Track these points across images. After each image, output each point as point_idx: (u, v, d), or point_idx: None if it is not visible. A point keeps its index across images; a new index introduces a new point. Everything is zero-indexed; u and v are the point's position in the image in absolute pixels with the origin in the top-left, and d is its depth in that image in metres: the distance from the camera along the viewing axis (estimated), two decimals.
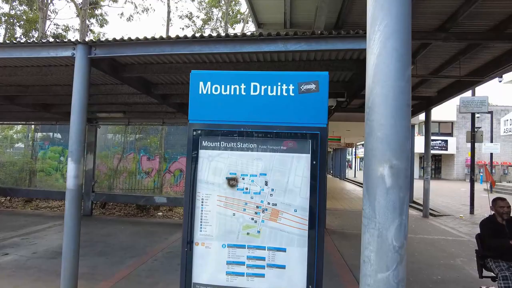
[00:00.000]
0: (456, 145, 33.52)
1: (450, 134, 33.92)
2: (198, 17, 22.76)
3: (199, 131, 2.04)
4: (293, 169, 1.95)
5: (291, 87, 2.03)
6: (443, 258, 7.03)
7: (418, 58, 8.28)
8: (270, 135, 1.99)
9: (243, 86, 2.05)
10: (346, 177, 35.21)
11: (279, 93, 2.03)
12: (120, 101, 8.07)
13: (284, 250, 1.92)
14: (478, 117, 25.70)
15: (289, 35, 3.86)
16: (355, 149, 41.62)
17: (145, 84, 6.61)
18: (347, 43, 3.91)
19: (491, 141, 22.21)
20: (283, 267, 1.92)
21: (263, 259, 1.95)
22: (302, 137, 1.96)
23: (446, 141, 33.73)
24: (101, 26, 20.89)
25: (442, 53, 8.31)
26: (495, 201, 3.99)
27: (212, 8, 22.26)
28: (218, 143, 2.03)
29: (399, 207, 1.77)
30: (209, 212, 2.01)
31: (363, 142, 27.26)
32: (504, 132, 21.09)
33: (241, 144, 2.02)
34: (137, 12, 33.82)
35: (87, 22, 17.04)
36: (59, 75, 5.81)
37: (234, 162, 2.00)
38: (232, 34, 3.98)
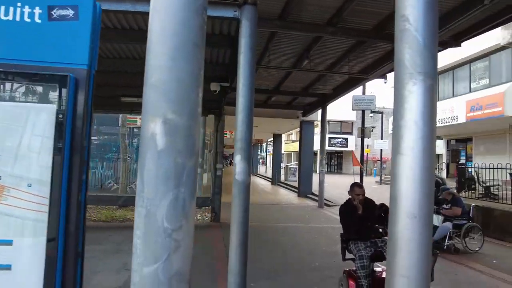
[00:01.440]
0: (355, 142, 36.93)
1: (350, 133, 37.24)
2: None
3: None
4: (29, 126, 1.33)
5: (37, 10, 1.41)
6: (326, 245, 7.24)
7: (312, 52, 8.41)
8: None
9: None
10: (258, 172, 36.37)
11: (18, 18, 1.40)
12: None
13: (9, 242, 1.32)
14: (371, 116, 28.56)
15: None
16: (266, 146, 42.95)
17: None
18: (218, 10, 3.47)
19: (381, 139, 24.86)
20: (7, 267, 1.31)
21: None
22: (46, 81, 1.37)
23: (346, 139, 37.06)
24: None
25: (334, 49, 8.56)
26: (352, 186, 4.06)
27: None
28: None
29: (175, 177, 1.30)
30: None
31: (271, 139, 28.06)
32: (391, 131, 23.70)
33: None
34: None
35: None
36: None
37: None
38: None
